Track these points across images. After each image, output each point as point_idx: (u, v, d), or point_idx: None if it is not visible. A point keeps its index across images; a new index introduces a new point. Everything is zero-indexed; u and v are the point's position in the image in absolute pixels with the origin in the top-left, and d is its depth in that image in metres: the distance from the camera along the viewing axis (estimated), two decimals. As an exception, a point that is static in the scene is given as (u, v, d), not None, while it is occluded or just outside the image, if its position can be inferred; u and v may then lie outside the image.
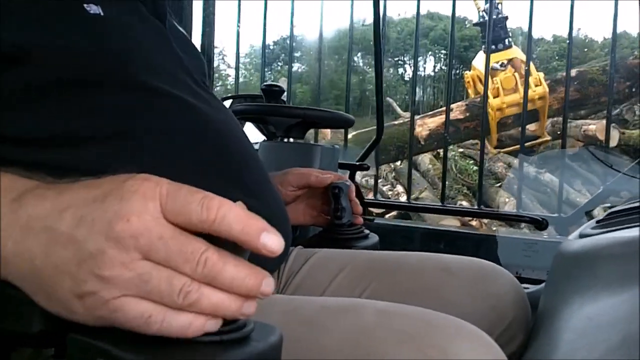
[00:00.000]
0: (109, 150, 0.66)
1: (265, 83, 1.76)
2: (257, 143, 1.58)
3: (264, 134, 1.77)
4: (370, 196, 3.34)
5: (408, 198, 2.98)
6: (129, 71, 0.69)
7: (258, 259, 0.53)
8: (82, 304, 0.44)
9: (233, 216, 0.43)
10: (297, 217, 1.15)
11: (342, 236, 1.15)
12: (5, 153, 0.60)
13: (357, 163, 1.77)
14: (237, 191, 0.76)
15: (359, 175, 2.26)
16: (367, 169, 1.81)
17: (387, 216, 4.61)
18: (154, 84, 0.71)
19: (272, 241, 0.44)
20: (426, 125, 6.84)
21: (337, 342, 0.62)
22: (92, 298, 0.43)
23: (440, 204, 2.57)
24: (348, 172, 1.77)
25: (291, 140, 1.55)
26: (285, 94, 2.80)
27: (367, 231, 1.20)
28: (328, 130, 7.05)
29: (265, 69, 3.43)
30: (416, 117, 6.43)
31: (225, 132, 0.80)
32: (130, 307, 0.43)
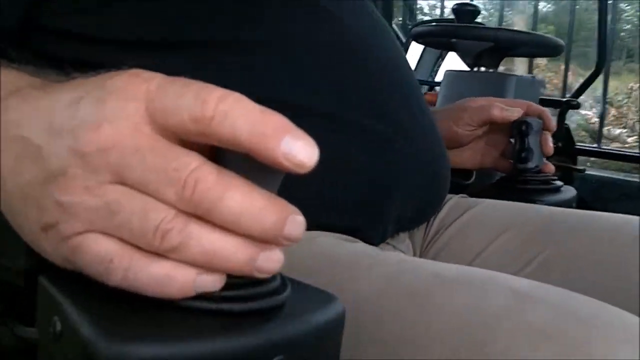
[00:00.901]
0: (215, 60, 0.57)
1: (458, 2, 1.50)
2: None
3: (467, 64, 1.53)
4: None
5: (641, 149, 2.51)
6: None
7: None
8: (46, 238, 0.33)
9: (239, 111, 0.30)
10: (473, 158, 0.95)
11: (523, 186, 0.92)
12: (101, 56, 0.53)
13: (565, 99, 1.46)
14: (368, 118, 0.62)
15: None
16: (577, 106, 1.47)
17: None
18: None
19: (298, 148, 0.29)
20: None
21: (442, 325, 0.44)
22: (53, 231, 0.32)
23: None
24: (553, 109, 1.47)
25: (482, 69, 1.30)
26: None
27: (559, 183, 0.94)
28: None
29: (506, 9, 3.13)
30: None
31: (368, 50, 0.65)
32: (89, 247, 0.31)
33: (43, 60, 0.52)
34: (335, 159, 0.59)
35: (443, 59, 2.20)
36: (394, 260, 0.53)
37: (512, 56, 1.43)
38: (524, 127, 0.88)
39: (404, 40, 2.06)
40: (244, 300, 0.31)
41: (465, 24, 1.34)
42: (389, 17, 2.43)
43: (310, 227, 0.58)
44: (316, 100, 0.59)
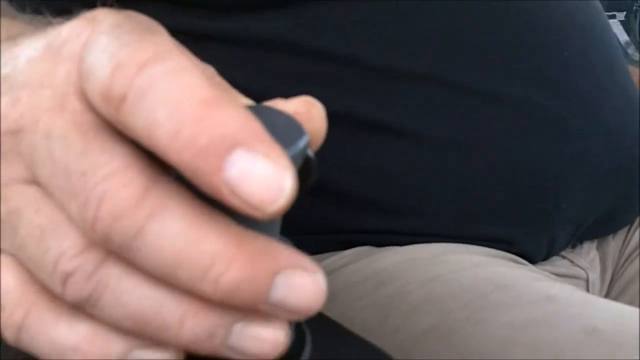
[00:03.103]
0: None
1: None
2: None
3: None
4: None
5: None
6: None
7: None
8: None
9: (166, 93, 0.17)
10: None
11: None
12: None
13: None
14: (530, 90, 0.47)
15: None
16: None
17: None
18: None
19: (256, 177, 0.16)
20: None
21: None
22: None
23: None
24: None
25: None
26: None
27: None
28: None
29: None
30: None
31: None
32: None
33: None
34: (477, 145, 0.45)
35: None
36: (539, 298, 0.37)
37: None
38: None
39: None
40: None
41: None
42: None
43: (439, 236, 0.46)
44: (446, 67, 0.46)
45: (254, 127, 0.17)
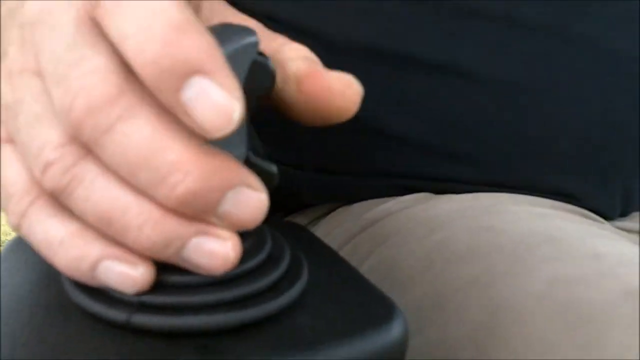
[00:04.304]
0: None
1: None
2: None
3: None
4: None
5: None
6: None
7: None
8: None
9: (139, 7, 0.19)
10: None
11: None
12: None
13: None
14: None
15: None
16: None
17: None
18: None
19: (213, 99, 0.19)
20: None
21: None
22: None
23: None
24: None
25: None
26: None
27: None
28: None
29: None
30: None
31: None
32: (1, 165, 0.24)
33: None
34: (545, 89, 0.43)
35: None
36: (587, 254, 0.35)
37: None
38: None
39: None
40: (182, 309, 0.21)
41: None
42: None
43: (501, 186, 0.44)
44: (514, 3, 0.43)
45: (216, 56, 0.19)
